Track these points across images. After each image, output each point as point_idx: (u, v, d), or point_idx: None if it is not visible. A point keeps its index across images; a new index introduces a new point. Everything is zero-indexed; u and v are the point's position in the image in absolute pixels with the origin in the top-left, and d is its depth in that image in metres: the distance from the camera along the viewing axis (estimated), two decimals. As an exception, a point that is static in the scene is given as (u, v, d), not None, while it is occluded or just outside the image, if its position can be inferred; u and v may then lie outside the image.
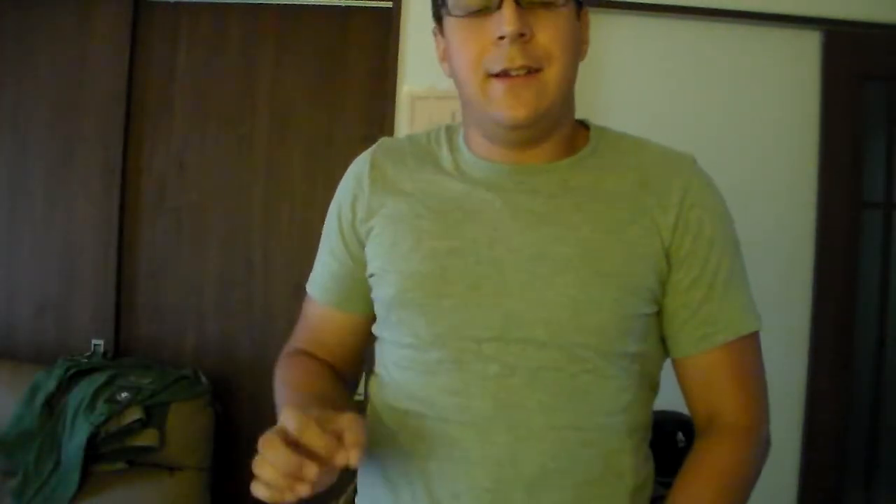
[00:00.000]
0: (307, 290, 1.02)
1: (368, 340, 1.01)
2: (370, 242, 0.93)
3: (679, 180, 0.89)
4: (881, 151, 2.23)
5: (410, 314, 0.88)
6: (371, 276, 0.93)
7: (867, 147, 2.19)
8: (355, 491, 0.99)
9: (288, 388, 0.93)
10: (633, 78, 2.15)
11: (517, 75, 0.82)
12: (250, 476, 0.73)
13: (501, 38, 0.81)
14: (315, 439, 0.70)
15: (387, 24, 2.20)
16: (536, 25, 0.82)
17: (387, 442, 0.90)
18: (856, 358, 2.17)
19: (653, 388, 0.93)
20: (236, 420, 2.26)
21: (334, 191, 1.01)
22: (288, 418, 0.72)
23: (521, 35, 0.81)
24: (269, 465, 0.70)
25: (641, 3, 2.11)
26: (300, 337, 1.03)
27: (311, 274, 1.03)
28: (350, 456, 0.71)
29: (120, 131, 2.30)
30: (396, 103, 2.17)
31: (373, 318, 0.97)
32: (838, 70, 2.16)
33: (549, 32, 0.83)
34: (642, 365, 0.89)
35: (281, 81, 2.31)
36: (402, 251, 0.89)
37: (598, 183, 0.89)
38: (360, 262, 0.95)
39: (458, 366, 0.85)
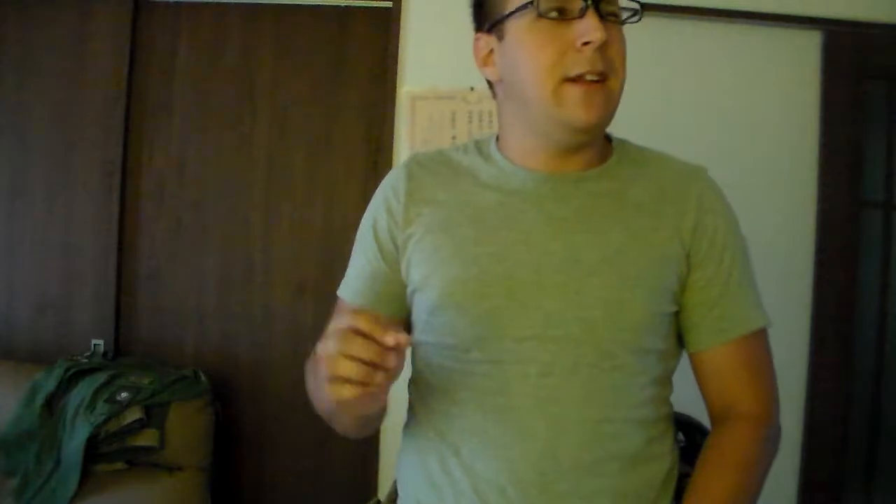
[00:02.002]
0: (339, 294, 1.05)
1: None
2: (411, 250, 0.97)
3: (695, 189, 0.96)
4: (881, 151, 2.22)
5: (452, 317, 0.93)
6: (413, 284, 0.97)
7: (867, 147, 2.19)
8: (395, 492, 1.03)
9: None
10: (632, 78, 2.13)
11: (591, 81, 0.87)
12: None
13: (585, 43, 0.85)
14: (371, 324, 0.73)
15: (387, 24, 2.20)
16: (609, 37, 0.87)
17: (428, 443, 0.95)
18: (856, 358, 2.17)
19: (671, 383, 0.99)
20: (236, 420, 2.27)
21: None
22: (339, 322, 0.74)
23: (604, 43, 0.86)
24: (345, 358, 0.72)
25: (641, 3, 2.11)
26: None
27: (344, 280, 1.06)
28: (399, 337, 0.73)
29: (120, 131, 2.29)
30: (396, 103, 2.17)
31: (404, 324, 1.02)
32: (838, 70, 2.16)
33: (616, 45, 0.89)
34: (664, 362, 0.95)
35: (281, 81, 2.31)
36: (444, 257, 0.94)
37: (623, 192, 0.95)
38: (393, 266, 0.99)
39: (498, 366, 0.90)
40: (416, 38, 2.16)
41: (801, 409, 2.14)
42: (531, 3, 0.87)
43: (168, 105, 2.32)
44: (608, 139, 1.02)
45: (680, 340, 0.98)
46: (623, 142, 1.02)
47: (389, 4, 2.20)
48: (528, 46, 0.89)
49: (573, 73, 0.86)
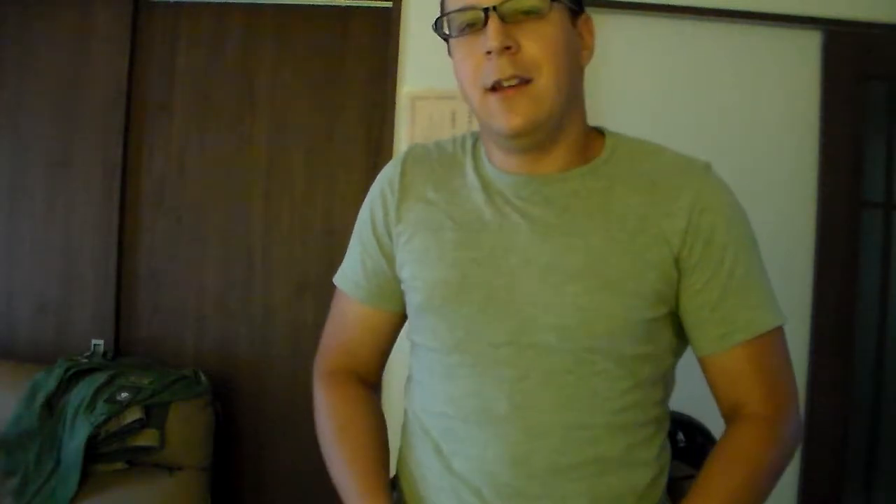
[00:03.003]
0: (336, 283, 1.07)
1: (394, 340, 1.08)
2: (401, 248, 0.98)
3: (689, 186, 0.91)
4: (881, 151, 2.22)
5: (434, 320, 0.94)
6: (404, 282, 0.99)
7: (867, 147, 2.19)
8: (395, 490, 1.03)
9: (352, 453, 0.96)
10: (633, 78, 2.15)
11: (509, 86, 0.86)
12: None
13: (489, 52, 0.85)
14: None
15: (387, 24, 2.20)
16: (523, 37, 0.86)
17: (420, 442, 0.97)
18: (856, 357, 2.17)
19: (665, 384, 0.96)
20: (236, 420, 2.27)
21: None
22: None
23: (507, 48, 0.85)
24: None
25: (641, 3, 2.11)
26: (333, 341, 1.07)
27: (341, 268, 1.07)
28: None
29: (120, 131, 2.29)
30: (396, 103, 2.17)
31: (402, 317, 1.04)
32: (838, 70, 2.16)
33: (535, 43, 0.86)
34: (651, 365, 0.92)
35: (281, 81, 2.31)
36: (429, 259, 0.95)
37: (609, 192, 0.92)
38: (390, 260, 1.00)
39: (476, 369, 0.91)
40: (416, 38, 2.16)
41: (801, 410, 2.14)
42: (436, 25, 0.92)
43: (168, 105, 2.32)
44: (601, 133, 0.98)
45: (681, 338, 0.95)
46: (618, 136, 0.98)
47: (389, 4, 2.20)
48: (456, 61, 0.92)
49: (488, 83, 0.87)
